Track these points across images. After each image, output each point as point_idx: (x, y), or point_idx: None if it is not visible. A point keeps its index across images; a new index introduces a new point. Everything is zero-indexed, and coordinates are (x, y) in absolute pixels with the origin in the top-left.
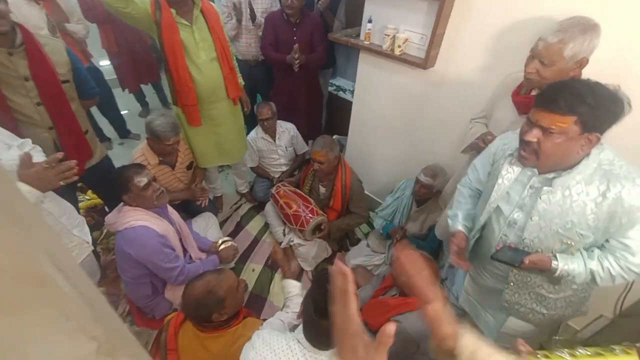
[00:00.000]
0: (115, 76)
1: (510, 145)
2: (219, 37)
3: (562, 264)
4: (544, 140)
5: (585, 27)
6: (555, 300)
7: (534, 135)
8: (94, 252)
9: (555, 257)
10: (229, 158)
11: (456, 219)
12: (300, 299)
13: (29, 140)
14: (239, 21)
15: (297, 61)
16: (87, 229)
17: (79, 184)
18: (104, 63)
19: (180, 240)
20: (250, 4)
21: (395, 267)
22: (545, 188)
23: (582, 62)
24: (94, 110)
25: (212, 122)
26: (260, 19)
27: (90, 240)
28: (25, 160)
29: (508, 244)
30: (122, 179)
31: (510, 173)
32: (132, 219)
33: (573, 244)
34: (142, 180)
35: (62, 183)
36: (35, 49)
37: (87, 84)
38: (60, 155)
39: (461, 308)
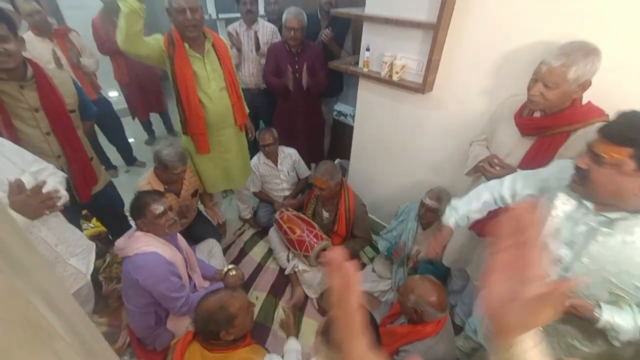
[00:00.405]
0: (124, 106)
1: (569, 175)
2: (228, 68)
3: (607, 316)
4: (595, 169)
5: (587, 51)
6: (588, 355)
7: (584, 162)
8: (96, 281)
9: (599, 306)
10: (235, 183)
11: (454, 212)
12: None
13: (50, 166)
14: (239, 50)
15: (299, 80)
16: (92, 257)
17: (84, 212)
18: (113, 94)
19: (187, 267)
20: (256, 34)
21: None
22: (603, 229)
23: (585, 85)
24: (102, 138)
25: (221, 149)
26: (264, 47)
27: (88, 270)
28: (14, 188)
29: None
30: (139, 204)
31: (565, 205)
32: (143, 244)
33: (625, 296)
34: (158, 208)
35: (47, 212)
36: (45, 82)
37: (89, 109)
38: (41, 183)
39: (478, 343)
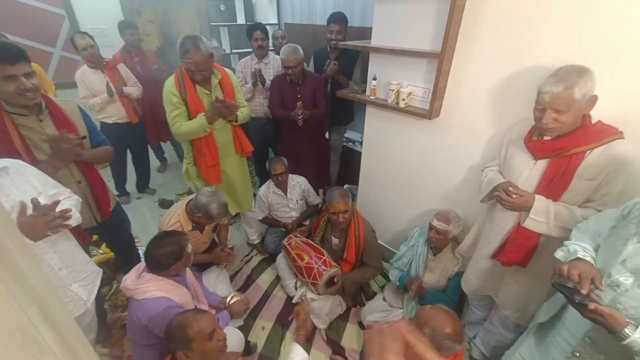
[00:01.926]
0: None
1: None
2: (231, 99)
3: (638, 335)
4: None
5: (580, 71)
6: None
7: None
8: (102, 309)
9: (635, 326)
10: (243, 206)
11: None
12: None
13: (67, 190)
14: (254, 84)
15: (301, 117)
16: (96, 284)
17: (94, 236)
18: None
19: (193, 299)
20: (260, 71)
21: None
22: None
23: (592, 100)
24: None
25: (226, 176)
26: (270, 82)
27: (89, 298)
28: (21, 208)
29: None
30: (179, 247)
31: None
32: (154, 288)
33: None
34: (190, 246)
35: (49, 233)
36: (58, 112)
37: (98, 135)
38: (39, 202)
39: None
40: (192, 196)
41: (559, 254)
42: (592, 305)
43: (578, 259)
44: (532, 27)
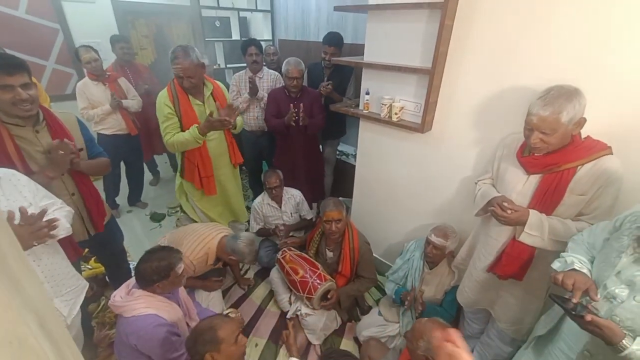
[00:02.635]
0: None
1: None
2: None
3: (638, 347)
4: None
5: (569, 95)
6: None
7: None
8: (89, 326)
9: (633, 338)
10: (238, 215)
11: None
12: None
13: (58, 201)
14: (251, 94)
15: (295, 117)
16: (79, 299)
17: (86, 250)
18: None
19: (186, 316)
20: (253, 79)
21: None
22: None
23: (581, 122)
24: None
25: (221, 187)
26: (263, 93)
27: (69, 314)
28: (9, 217)
29: (586, 305)
30: (166, 265)
31: (636, 254)
32: (143, 305)
33: None
34: (181, 267)
35: (35, 244)
36: (56, 124)
37: (95, 147)
38: (26, 211)
39: None
40: (225, 231)
41: (556, 264)
42: (588, 317)
43: (574, 270)
44: (518, 45)
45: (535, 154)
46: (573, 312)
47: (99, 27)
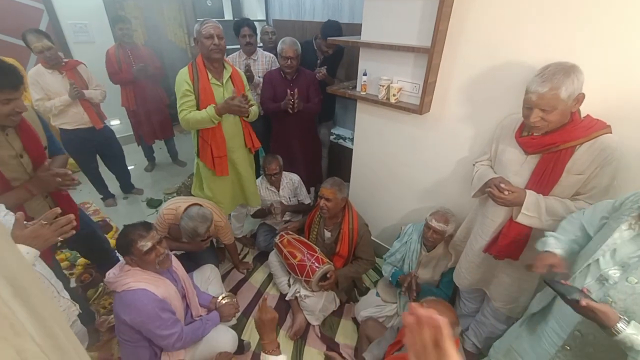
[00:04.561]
0: (126, 134)
1: None
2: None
3: (632, 331)
4: None
5: (566, 70)
6: None
7: None
8: (89, 312)
9: (627, 321)
10: (250, 200)
11: (558, 241)
12: None
13: (2, 206)
14: (248, 80)
15: (293, 104)
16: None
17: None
18: (115, 122)
19: (184, 296)
20: (249, 67)
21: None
22: None
23: (579, 98)
24: (101, 167)
25: (234, 170)
26: (259, 78)
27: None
28: (20, 221)
29: (581, 289)
30: (125, 241)
31: (632, 230)
32: (131, 280)
33: None
34: (145, 245)
35: (60, 238)
36: (24, 125)
37: (55, 143)
38: (58, 210)
39: None
40: (197, 200)
41: (539, 245)
42: (584, 302)
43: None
44: (519, 23)
45: (535, 134)
46: (568, 297)
47: (86, 8)
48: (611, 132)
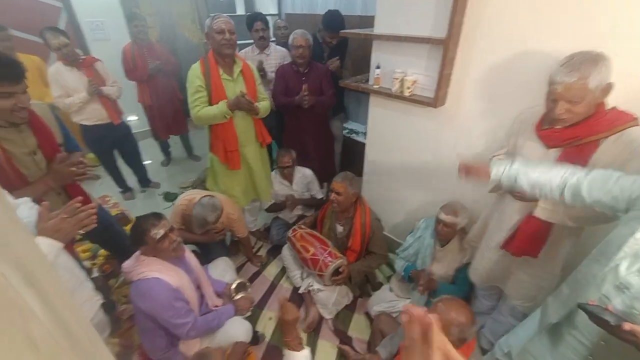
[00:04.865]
0: (142, 129)
1: None
2: (252, 89)
3: None
4: None
5: (594, 59)
6: None
7: None
8: (110, 301)
9: None
10: (262, 195)
11: (507, 164)
12: None
13: (28, 199)
14: (262, 76)
15: (306, 99)
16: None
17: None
18: (132, 118)
19: (198, 287)
20: (261, 63)
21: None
22: None
23: (607, 88)
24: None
25: (246, 164)
26: (272, 74)
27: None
28: (43, 214)
29: (606, 307)
30: (138, 231)
31: None
32: (146, 269)
33: None
34: (158, 232)
35: (81, 232)
36: (36, 120)
37: (71, 141)
38: (78, 202)
39: None
40: (212, 193)
41: (493, 170)
42: (627, 326)
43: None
44: (541, 11)
45: (556, 127)
46: (612, 323)
47: (103, 5)
48: (638, 124)
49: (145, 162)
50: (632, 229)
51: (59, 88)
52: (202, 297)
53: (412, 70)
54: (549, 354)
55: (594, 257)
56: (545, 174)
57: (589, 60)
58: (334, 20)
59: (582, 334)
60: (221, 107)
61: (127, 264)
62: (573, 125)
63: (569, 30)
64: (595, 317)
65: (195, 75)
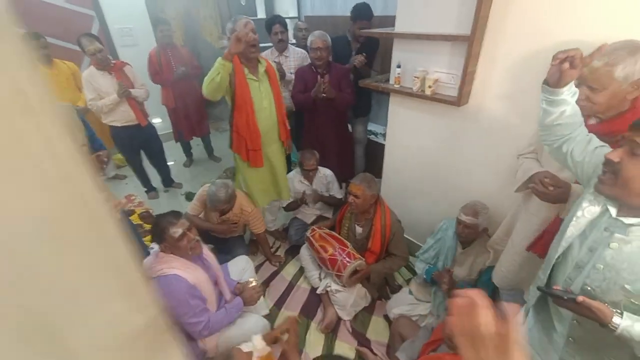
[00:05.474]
0: (166, 131)
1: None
2: (276, 89)
3: (627, 322)
4: (627, 162)
5: (633, 49)
6: None
7: (616, 155)
8: None
9: (621, 313)
10: (282, 194)
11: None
12: None
13: None
14: (281, 77)
15: (324, 91)
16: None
17: None
18: (156, 120)
19: (216, 284)
20: (280, 65)
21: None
22: (617, 235)
23: (639, 83)
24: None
25: (269, 163)
26: (291, 74)
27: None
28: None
29: (566, 289)
30: (158, 229)
31: (593, 206)
32: (165, 266)
33: None
34: (177, 231)
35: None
36: None
37: (96, 141)
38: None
39: None
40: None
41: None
42: (580, 298)
43: None
44: (567, 3)
45: (589, 122)
46: (565, 297)
47: (131, 12)
48: None
49: (169, 163)
50: (578, 206)
51: (92, 91)
52: (220, 293)
53: (434, 69)
54: (538, 339)
55: (556, 239)
56: None
57: (626, 49)
58: (364, 9)
59: (557, 314)
60: (217, 61)
61: (146, 262)
62: (606, 120)
63: (597, 23)
64: (556, 298)
65: (225, 81)
